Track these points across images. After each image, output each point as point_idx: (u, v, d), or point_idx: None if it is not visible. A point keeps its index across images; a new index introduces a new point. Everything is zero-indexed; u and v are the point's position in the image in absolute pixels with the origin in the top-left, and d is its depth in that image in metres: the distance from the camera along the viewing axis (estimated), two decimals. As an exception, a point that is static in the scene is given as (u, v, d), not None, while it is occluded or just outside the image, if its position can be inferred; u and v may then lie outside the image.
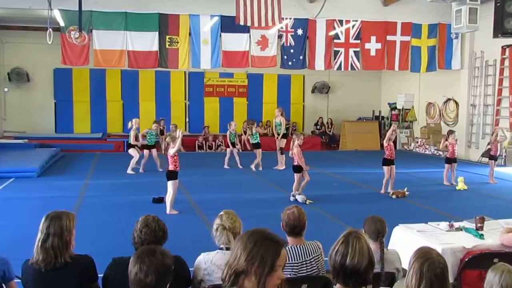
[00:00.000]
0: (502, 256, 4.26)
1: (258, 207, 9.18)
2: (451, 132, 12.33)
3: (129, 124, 13.45)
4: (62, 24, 14.09)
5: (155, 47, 14.96)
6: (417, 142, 19.74)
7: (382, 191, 10.64)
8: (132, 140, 13.19)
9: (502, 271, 2.71)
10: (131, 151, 13.27)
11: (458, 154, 12.28)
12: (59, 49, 14.53)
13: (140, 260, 2.56)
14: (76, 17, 12.98)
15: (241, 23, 12.98)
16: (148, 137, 13.60)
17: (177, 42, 15.16)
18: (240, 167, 14.14)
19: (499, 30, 10.74)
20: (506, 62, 15.80)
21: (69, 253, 3.37)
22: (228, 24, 14.76)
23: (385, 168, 10.69)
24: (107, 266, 3.51)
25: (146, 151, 13.50)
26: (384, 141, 10.98)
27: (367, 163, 15.34)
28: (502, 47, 15.68)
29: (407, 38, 16.60)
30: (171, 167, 8.72)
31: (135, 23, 14.69)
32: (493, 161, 12.33)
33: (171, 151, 8.64)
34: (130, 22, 14.65)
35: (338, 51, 16.30)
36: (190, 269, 3.69)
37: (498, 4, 10.72)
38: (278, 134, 14.37)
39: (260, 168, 13.80)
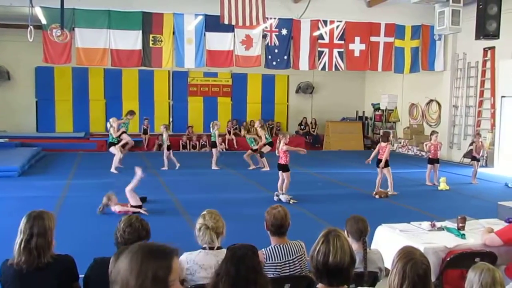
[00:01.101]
0: (483, 255, 4.30)
1: (242, 206, 9.17)
2: (433, 133, 12.44)
3: (108, 124, 13.36)
4: (43, 21, 13.93)
5: (138, 46, 14.87)
6: (400, 143, 19.90)
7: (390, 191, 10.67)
8: (114, 134, 13.06)
9: (481, 270, 2.75)
10: (113, 149, 13.15)
11: (440, 155, 12.37)
12: (41, 47, 14.36)
13: (121, 260, 2.52)
14: (58, 15, 12.80)
15: (226, 22, 12.95)
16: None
17: (161, 41, 15.08)
18: (217, 167, 14.11)
19: (481, 32, 10.88)
20: (488, 64, 15.99)
21: (51, 253, 3.34)
22: (213, 24, 14.71)
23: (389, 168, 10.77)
24: (89, 266, 3.48)
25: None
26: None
27: (351, 163, 15.40)
28: (484, 49, 15.86)
29: (390, 39, 16.72)
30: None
31: (118, 21, 14.58)
32: (475, 162, 12.47)
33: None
34: (113, 20, 14.53)
35: (322, 51, 16.37)
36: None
37: (481, 6, 10.86)
38: (268, 144, 13.99)
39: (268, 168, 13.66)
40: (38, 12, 13.50)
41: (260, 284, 2.64)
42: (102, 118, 19.65)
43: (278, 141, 10.27)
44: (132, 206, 8.36)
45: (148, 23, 14.94)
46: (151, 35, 15.01)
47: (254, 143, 14.26)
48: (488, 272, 2.72)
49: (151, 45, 15.05)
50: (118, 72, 19.58)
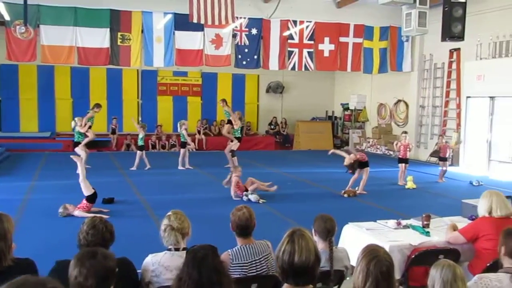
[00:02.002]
0: (447, 252, 4.37)
1: (209, 207, 9.15)
2: (403, 133, 12.67)
3: (73, 124, 13.12)
4: (7, 18, 13.54)
5: (106, 44, 14.63)
6: (369, 142, 20.13)
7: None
8: (82, 129, 12.83)
9: (442, 266, 2.79)
10: (78, 149, 12.90)
11: (409, 155, 12.51)
12: (4, 44, 13.98)
13: (80, 263, 2.47)
14: (22, 11, 12.50)
15: (195, 21, 12.85)
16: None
17: (129, 39, 14.88)
18: (190, 167, 14.04)
19: (447, 34, 11.10)
20: (454, 65, 16.31)
21: (11, 256, 3.24)
22: (182, 22, 14.58)
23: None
24: (50, 269, 3.38)
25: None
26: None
27: (321, 163, 15.49)
28: (450, 50, 16.18)
29: (359, 40, 16.90)
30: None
31: (85, 19, 14.31)
32: (442, 162, 12.71)
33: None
34: (80, 17, 14.26)
35: (292, 51, 16.43)
36: (138, 271, 3.60)
37: (446, 9, 11.07)
38: (237, 138, 14.11)
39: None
40: (1, 8, 13.12)
41: (224, 284, 2.60)
42: (69, 117, 19.13)
43: (230, 174, 10.24)
44: (88, 203, 8.28)
45: (116, 21, 14.72)
46: (119, 33, 14.79)
47: (228, 115, 14.26)
48: (448, 268, 2.76)
49: (119, 43, 14.83)
50: (86, 71, 19.23)
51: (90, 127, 13.19)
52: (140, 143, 13.89)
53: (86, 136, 13.04)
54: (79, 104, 19.52)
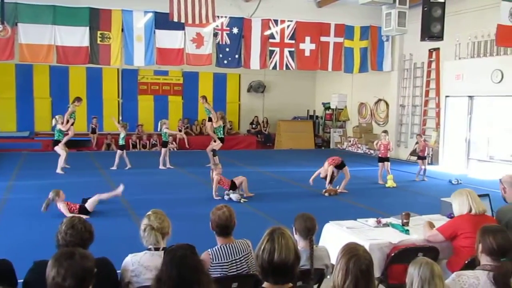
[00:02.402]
0: (426, 250, 4.41)
1: (190, 206, 9.13)
2: (383, 132, 12.79)
3: (53, 122, 12.96)
4: (-17, 16, 13.31)
5: (85, 43, 14.46)
6: (350, 141, 20.27)
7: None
8: (63, 127, 12.67)
9: (420, 264, 2.82)
10: (58, 148, 12.74)
11: (390, 154, 12.61)
12: (-19, 42, 13.75)
13: (58, 264, 2.44)
14: (-1, 9, 12.31)
15: (175, 19, 12.75)
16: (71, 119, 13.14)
17: (109, 38, 14.73)
18: (171, 166, 13.97)
19: (426, 33, 11.20)
20: (433, 65, 16.50)
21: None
22: (163, 21, 14.48)
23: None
24: (28, 270, 3.33)
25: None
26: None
27: (302, 162, 15.55)
28: (429, 50, 16.36)
29: (340, 40, 16.98)
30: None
31: (64, 17, 14.12)
32: (421, 160, 12.85)
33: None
34: (58, 16, 14.07)
35: (273, 50, 16.44)
36: (118, 271, 3.57)
37: (425, 9, 11.17)
38: (220, 139, 14.04)
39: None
40: (-22, 6, 12.91)
41: (204, 283, 2.59)
42: (48, 117, 18.97)
43: (211, 171, 10.16)
44: (78, 211, 8.13)
45: (96, 19, 14.56)
46: (98, 32, 14.64)
47: (209, 113, 14.20)
48: (426, 266, 2.79)
49: (99, 42, 14.68)
50: (65, 70, 18.99)
51: (72, 123, 13.05)
52: (121, 142, 13.80)
53: (66, 134, 12.88)
54: (58, 104, 19.22)
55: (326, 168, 10.58)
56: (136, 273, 3.53)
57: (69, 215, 7.86)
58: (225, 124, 15.52)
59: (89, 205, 8.37)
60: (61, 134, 12.81)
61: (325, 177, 10.62)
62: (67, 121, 12.82)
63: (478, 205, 4.50)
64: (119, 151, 13.69)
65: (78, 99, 13.55)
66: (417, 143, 13.33)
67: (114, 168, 13.37)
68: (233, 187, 9.88)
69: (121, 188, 8.73)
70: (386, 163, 12.25)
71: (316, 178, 10.75)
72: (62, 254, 2.52)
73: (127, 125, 14.61)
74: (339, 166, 10.75)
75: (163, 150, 14.08)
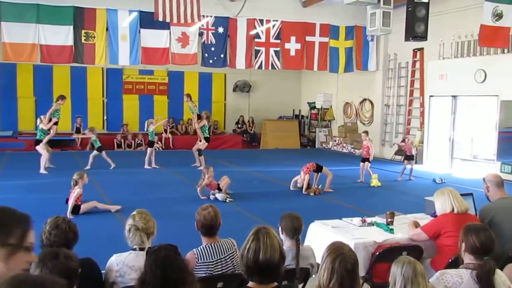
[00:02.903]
0: (410, 249, 4.44)
1: (176, 206, 9.09)
2: (362, 133, 12.86)
3: (38, 121, 12.82)
4: (-34, 14, 13.15)
5: (69, 42, 14.35)
6: (335, 141, 20.35)
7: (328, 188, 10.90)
8: (45, 126, 12.52)
9: (403, 263, 2.85)
10: (39, 148, 12.55)
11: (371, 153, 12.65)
12: (-37, 41, 13.58)
13: (42, 264, 2.42)
14: (-18, 8, 12.15)
15: (160, 19, 12.70)
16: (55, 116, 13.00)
17: (94, 37, 14.63)
18: (156, 166, 13.90)
19: (410, 33, 11.31)
20: (417, 65, 16.65)
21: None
22: (148, 20, 14.41)
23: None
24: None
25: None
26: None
27: (287, 161, 15.57)
28: (414, 50, 16.50)
29: (325, 39, 17.05)
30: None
31: (48, 16, 14.00)
32: (407, 160, 12.91)
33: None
34: (42, 14, 13.94)
35: (259, 50, 16.46)
36: (102, 271, 3.56)
37: (410, 9, 11.28)
38: (205, 139, 13.98)
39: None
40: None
41: (188, 283, 2.59)
42: (32, 116, 18.77)
43: (203, 174, 10.02)
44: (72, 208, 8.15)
45: (80, 18, 14.45)
46: (83, 31, 14.53)
47: (192, 111, 14.17)
48: (409, 265, 2.82)
49: (83, 41, 14.57)
50: (49, 69, 18.83)
51: (56, 122, 12.90)
52: (97, 145, 13.47)
53: (48, 133, 12.73)
54: (42, 103, 18.96)
55: (303, 178, 10.64)
56: (120, 273, 3.52)
57: (72, 204, 8.01)
58: (211, 124, 15.49)
59: (84, 207, 8.36)
60: (43, 134, 12.65)
61: (302, 186, 10.68)
62: (49, 120, 12.68)
63: (460, 204, 4.53)
64: (94, 152, 13.45)
65: (62, 97, 13.37)
66: (403, 141, 13.39)
67: (88, 167, 13.05)
68: (219, 187, 9.88)
69: (118, 207, 8.63)
70: (366, 163, 12.30)
71: (295, 184, 10.90)
72: (46, 254, 2.51)
73: (94, 128, 14.38)
74: (318, 170, 10.83)
75: (149, 149, 13.98)
